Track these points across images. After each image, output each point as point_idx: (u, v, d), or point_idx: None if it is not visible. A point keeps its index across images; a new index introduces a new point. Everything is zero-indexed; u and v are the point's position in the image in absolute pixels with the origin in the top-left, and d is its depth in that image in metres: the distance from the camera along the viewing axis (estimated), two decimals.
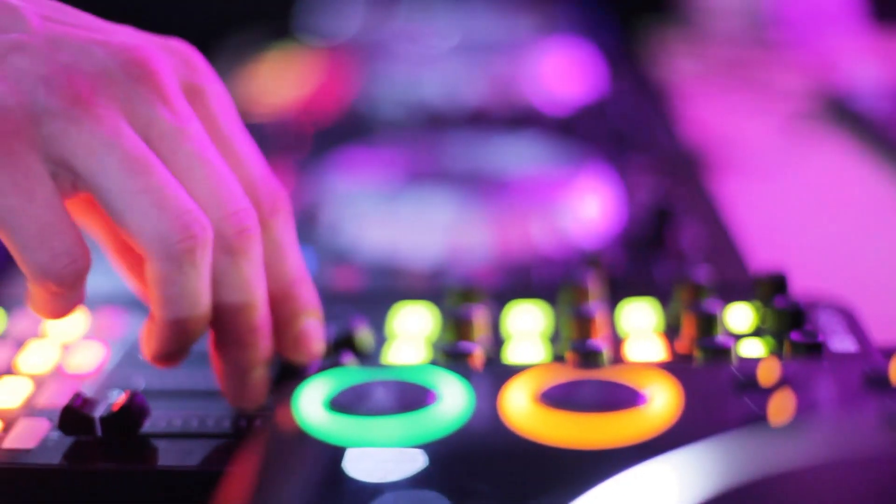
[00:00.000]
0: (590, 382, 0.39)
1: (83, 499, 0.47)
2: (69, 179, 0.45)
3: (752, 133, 1.05)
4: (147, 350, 0.49)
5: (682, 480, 0.33)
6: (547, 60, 1.18)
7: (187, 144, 0.47)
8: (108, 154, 0.44)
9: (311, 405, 0.38)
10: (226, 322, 0.48)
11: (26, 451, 0.48)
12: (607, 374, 0.39)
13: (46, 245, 0.44)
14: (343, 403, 0.38)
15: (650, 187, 0.80)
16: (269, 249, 0.49)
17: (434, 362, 0.53)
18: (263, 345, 0.49)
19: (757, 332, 0.55)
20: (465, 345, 0.52)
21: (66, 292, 0.46)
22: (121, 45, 0.47)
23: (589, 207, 0.78)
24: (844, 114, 1.08)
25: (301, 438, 0.37)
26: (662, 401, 0.38)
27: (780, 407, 0.38)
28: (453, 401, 0.38)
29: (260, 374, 0.50)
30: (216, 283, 0.47)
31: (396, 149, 0.91)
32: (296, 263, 0.51)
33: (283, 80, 1.16)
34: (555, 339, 0.56)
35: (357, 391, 0.39)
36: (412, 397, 0.38)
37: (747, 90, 1.18)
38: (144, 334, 0.50)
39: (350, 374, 0.40)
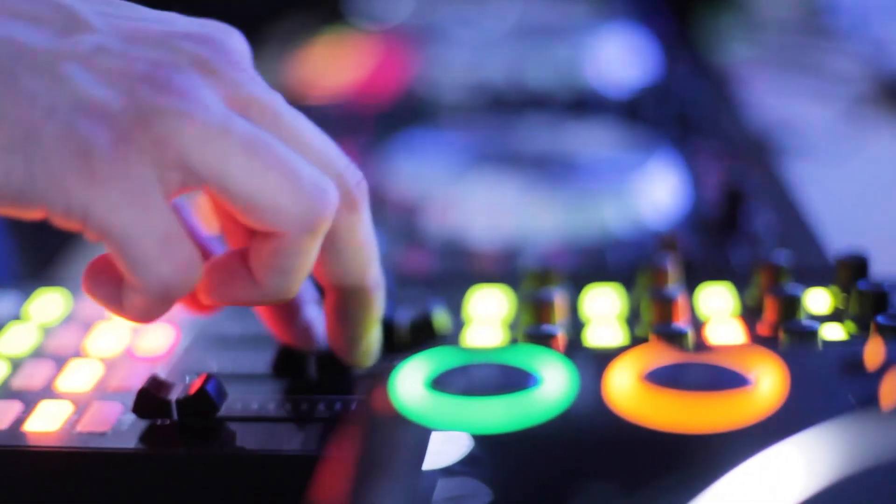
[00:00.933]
0: (694, 364, 0.38)
1: (160, 483, 0.46)
2: (177, 180, 0.41)
3: (814, 118, 1.05)
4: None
5: (804, 466, 0.32)
6: (605, 45, 1.17)
7: (285, 114, 0.45)
8: (224, 140, 0.41)
9: (410, 387, 0.37)
10: (351, 280, 0.47)
11: (101, 435, 0.47)
12: (711, 355, 0.38)
13: (168, 256, 0.41)
14: (444, 384, 0.37)
15: (720, 170, 0.79)
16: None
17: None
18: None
19: (836, 316, 0.54)
20: (548, 327, 0.51)
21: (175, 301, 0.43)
22: (198, 34, 0.45)
23: (660, 190, 0.77)
24: None
25: (398, 421, 0.36)
26: (769, 383, 0.37)
27: (891, 390, 0.37)
28: (556, 382, 0.37)
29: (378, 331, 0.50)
30: (340, 244, 0.46)
31: (462, 131, 0.90)
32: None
33: (337, 64, 1.16)
34: (632, 321, 0.55)
35: (458, 372, 0.38)
36: (514, 379, 0.37)
37: (805, 76, 1.17)
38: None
39: (449, 355, 0.39)
